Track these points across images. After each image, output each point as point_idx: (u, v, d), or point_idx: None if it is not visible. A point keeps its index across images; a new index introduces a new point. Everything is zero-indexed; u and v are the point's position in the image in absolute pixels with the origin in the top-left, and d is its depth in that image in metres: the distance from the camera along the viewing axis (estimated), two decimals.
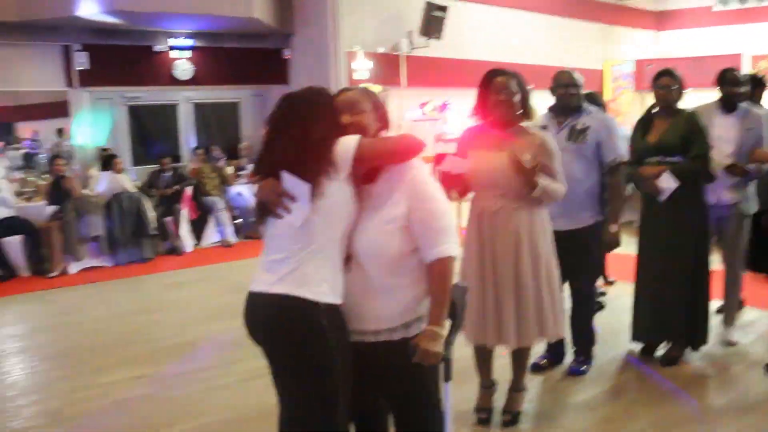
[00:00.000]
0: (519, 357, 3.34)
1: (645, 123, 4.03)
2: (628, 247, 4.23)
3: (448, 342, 2.05)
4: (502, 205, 3.08)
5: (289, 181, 2.01)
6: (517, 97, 3.07)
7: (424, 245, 2.08)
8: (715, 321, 4.47)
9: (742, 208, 4.28)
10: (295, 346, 2.01)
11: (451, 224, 2.13)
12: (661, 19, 16.30)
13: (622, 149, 3.78)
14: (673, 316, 3.98)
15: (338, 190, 2.02)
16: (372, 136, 2.16)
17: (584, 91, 3.92)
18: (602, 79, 14.64)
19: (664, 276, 3.97)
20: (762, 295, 5.24)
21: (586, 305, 3.92)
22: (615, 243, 3.84)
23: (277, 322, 2.02)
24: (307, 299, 1.98)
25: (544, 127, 3.60)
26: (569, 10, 13.68)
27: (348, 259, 2.08)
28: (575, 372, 3.91)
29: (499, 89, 3.06)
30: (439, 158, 3.20)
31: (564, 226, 3.57)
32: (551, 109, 3.88)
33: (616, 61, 14.74)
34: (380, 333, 2.11)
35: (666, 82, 3.90)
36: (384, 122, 2.26)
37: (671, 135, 3.84)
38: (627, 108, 14.21)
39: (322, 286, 2.00)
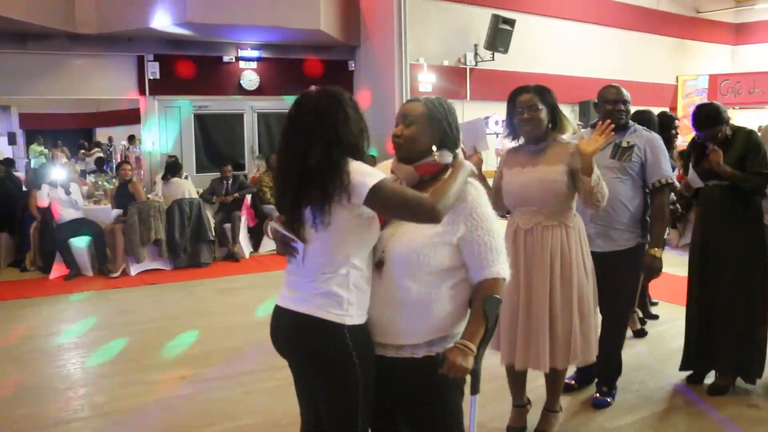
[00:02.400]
0: (552, 378, 3.25)
1: (699, 145, 3.88)
2: (676, 269, 4.06)
3: (478, 355, 2.00)
4: (537, 222, 3.02)
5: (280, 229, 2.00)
6: (543, 113, 3.02)
7: (478, 264, 2.05)
8: None
9: None
10: (319, 367, 1.98)
11: (503, 246, 2.11)
12: (739, 33, 15.70)
13: (668, 170, 3.58)
14: (722, 343, 3.80)
15: (352, 216, 1.93)
16: (423, 149, 2.10)
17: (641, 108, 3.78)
18: (675, 94, 14.20)
19: (715, 301, 3.80)
20: None
21: (617, 334, 3.71)
22: (657, 269, 3.61)
23: (301, 341, 1.99)
24: (331, 321, 1.93)
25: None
26: (640, 23, 13.36)
27: (380, 264, 2.03)
28: (598, 404, 3.71)
29: (524, 107, 3.03)
30: None
31: (602, 248, 3.45)
32: (594, 126, 3.76)
33: (689, 76, 14.28)
34: (403, 348, 2.05)
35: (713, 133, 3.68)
36: (440, 140, 2.13)
37: (728, 154, 3.68)
38: None
39: (347, 308, 1.95)
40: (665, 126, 5.08)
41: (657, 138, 3.65)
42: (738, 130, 3.78)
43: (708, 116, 3.69)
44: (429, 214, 1.94)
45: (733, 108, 13.00)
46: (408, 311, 2.02)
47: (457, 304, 2.08)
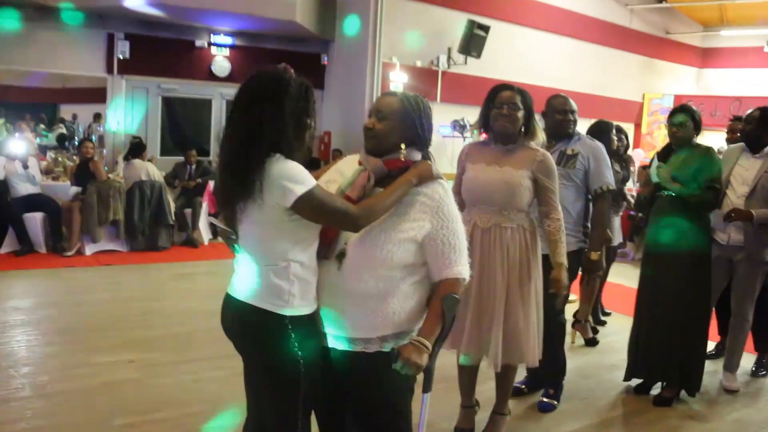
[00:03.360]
0: (503, 378, 3.29)
1: (663, 156, 3.98)
2: (632, 281, 4.16)
3: (433, 353, 1.99)
4: (496, 222, 3.05)
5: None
6: (521, 113, 3.06)
7: (440, 263, 2.05)
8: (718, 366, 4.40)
9: (757, 252, 4.12)
10: (262, 356, 1.98)
11: (466, 246, 2.12)
12: (705, 56, 16.08)
13: (609, 178, 3.73)
14: (667, 356, 3.90)
15: (282, 215, 1.89)
16: (392, 144, 2.08)
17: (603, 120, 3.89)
18: (640, 111, 14.48)
19: (662, 313, 3.90)
20: None
21: (559, 333, 3.80)
22: (597, 267, 3.78)
23: (244, 330, 1.99)
24: (273, 312, 1.92)
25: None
26: (611, 39, 13.58)
27: (341, 256, 2.02)
28: (545, 408, 3.77)
29: (504, 102, 3.06)
30: None
31: (544, 250, 3.50)
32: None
33: (655, 95, 14.57)
34: (355, 342, 2.04)
35: (681, 120, 3.84)
36: (410, 139, 2.11)
37: (685, 168, 3.78)
38: (662, 143, 14.00)
39: (288, 298, 1.93)
40: (603, 132, 5.14)
41: (600, 147, 3.80)
42: (697, 146, 3.88)
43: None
44: (351, 227, 1.97)
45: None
46: (363, 305, 2.02)
47: (415, 301, 2.09)
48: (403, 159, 2.10)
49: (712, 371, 4.42)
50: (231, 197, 1.91)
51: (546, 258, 3.20)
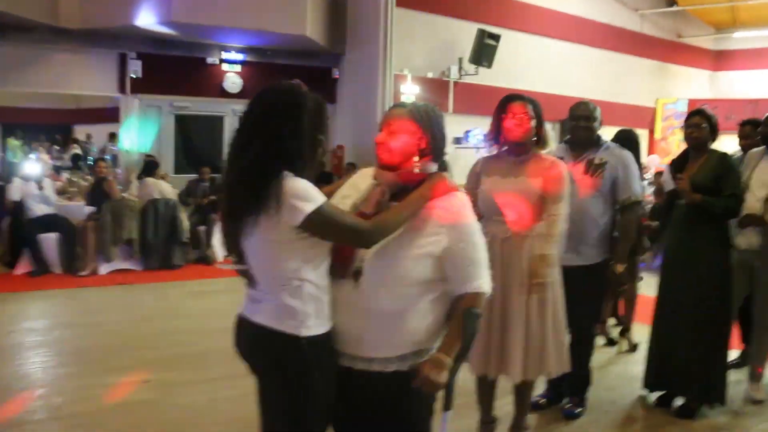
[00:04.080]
0: (522, 393, 3.23)
1: (678, 164, 3.91)
2: (650, 289, 4.08)
3: (453, 369, 1.94)
4: (513, 232, 3.01)
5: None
6: (533, 123, 3.03)
7: (459, 278, 2.00)
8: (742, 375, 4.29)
9: None
10: (277, 378, 1.93)
11: (486, 259, 2.07)
12: (718, 59, 15.93)
13: (638, 188, 3.67)
14: (687, 367, 3.80)
15: (291, 233, 1.83)
16: (404, 163, 2.03)
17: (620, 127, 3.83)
18: (654, 116, 14.35)
19: (682, 323, 3.80)
20: None
21: (586, 345, 3.75)
22: (622, 280, 3.72)
23: (259, 352, 1.95)
24: (287, 333, 1.87)
25: (560, 159, 3.52)
26: (624, 45, 13.49)
27: (357, 275, 1.96)
28: (569, 415, 3.73)
29: (515, 113, 3.03)
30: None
31: (571, 262, 3.45)
32: (567, 142, 3.79)
33: (668, 100, 14.45)
34: (374, 361, 1.98)
35: (696, 121, 3.78)
36: (428, 153, 2.06)
37: (702, 175, 3.71)
38: (677, 148, 13.88)
39: (303, 319, 1.88)
40: (630, 141, 5.11)
41: (629, 156, 3.72)
42: (712, 152, 3.81)
43: None
44: (362, 244, 1.93)
45: None
46: (382, 324, 1.97)
47: (434, 318, 2.03)
48: (417, 171, 2.05)
49: (737, 381, 4.30)
50: (241, 214, 1.86)
51: (566, 269, 3.16)
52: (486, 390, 3.28)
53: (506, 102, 3.11)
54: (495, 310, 3.00)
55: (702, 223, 3.74)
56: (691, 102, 14.33)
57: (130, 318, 5.72)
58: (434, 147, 2.08)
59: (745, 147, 4.62)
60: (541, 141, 3.09)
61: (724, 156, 3.79)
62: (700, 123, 3.75)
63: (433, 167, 2.09)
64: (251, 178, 1.82)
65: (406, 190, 2.03)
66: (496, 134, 3.14)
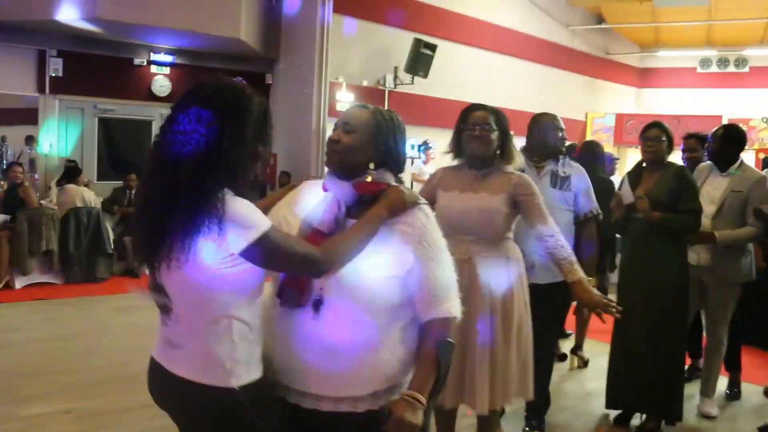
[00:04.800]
0: (486, 422, 3.03)
1: (633, 178, 3.84)
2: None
3: (428, 408, 1.73)
4: (475, 251, 2.80)
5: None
6: (495, 134, 2.84)
7: (426, 301, 1.79)
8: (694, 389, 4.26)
9: (728, 274, 4.02)
10: None
11: (455, 279, 1.86)
12: (643, 76, 16.52)
13: (595, 201, 3.65)
14: (648, 384, 3.72)
15: (226, 256, 1.55)
16: (360, 163, 1.80)
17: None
18: (584, 130, 14.68)
19: (640, 339, 3.72)
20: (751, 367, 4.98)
21: (546, 365, 3.59)
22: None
23: (181, 406, 1.66)
24: (220, 387, 1.58)
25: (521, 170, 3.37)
26: (555, 59, 13.78)
27: (317, 305, 1.72)
28: None
29: (477, 123, 2.84)
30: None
31: (544, 279, 3.30)
32: (525, 151, 3.66)
33: (597, 114, 14.83)
34: (342, 402, 1.75)
35: (655, 133, 3.72)
36: (381, 158, 1.84)
37: (659, 189, 3.65)
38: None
39: (231, 368, 1.59)
40: (596, 154, 5.13)
41: (583, 170, 3.69)
42: (669, 166, 3.76)
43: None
44: (314, 274, 1.68)
45: (636, 147, 13.57)
46: (350, 359, 1.72)
47: (406, 347, 1.81)
48: (370, 179, 1.82)
49: (687, 396, 4.26)
50: (165, 237, 1.53)
51: (539, 287, 2.99)
52: (446, 418, 3.07)
53: (467, 111, 2.92)
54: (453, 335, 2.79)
55: (659, 237, 3.68)
56: (619, 116, 14.80)
57: (49, 337, 5.24)
58: (394, 157, 1.87)
59: (689, 160, 4.65)
60: (506, 154, 2.90)
61: (681, 170, 3.75)
62: (659, 136, 3.69)
63: (391, 179, 1.87)
64: (186, 195, 1.51)
65: (362, 203, 1.81)
66: (456, 146, 2.95)
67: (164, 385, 1.67)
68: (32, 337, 5.24)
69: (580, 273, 2.75)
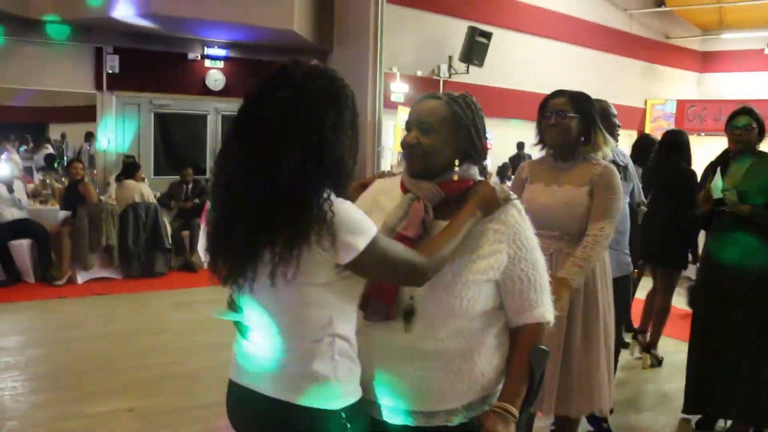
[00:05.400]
0: (561, 430, 2.85)
1: (718, 168, 3.57)
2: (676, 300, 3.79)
3: (520, 421, 1.59)
4: (558, 248, 2.62)
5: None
6: (574, 123, 2.63)
7: (518, 305, 1.66)
8: None
9: None
10: None
11: (548, 281, 1.71)
12: (705, 60, 15.89)
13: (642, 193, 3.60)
14: (733, 387, 3.47)
15: (330, 267, 1.40)
16: (444, 163, 1.65)
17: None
18: (643, 117, 14.20)
19: (726, 340, 3.47)
20: None
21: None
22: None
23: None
24: (323, 410, 1.43)
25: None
26: (612, 45, 13.38)
27: (408, 315, 1.58)
28: None
29: (553, 111, 2.65)
30: None
31: (615, 274, 3.09)
32: None
33: (657, 101, 14.31)
34: (436, 416, 1.62)
35: (745, 120, 3.45)
36: (465, 151, 1.68)
37: (751, 181, 3.37)
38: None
39: (335, 387, 1.45)
40: (651, 146, 4.95)
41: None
42: (760, 155, 3.48)
43: None
44: (418, 281, 1.51)
45: (699, 134, 13.06)
46: (445, 370, 1.59)
47: (501, 354, 1.67)
48: (457, 178, 1.66)
49: None
50: (252, 243, 1.37)
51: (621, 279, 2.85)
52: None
53: (545, 100, 2.74)
54: None
55: (749, 233, 3.41)
56: (680, 103, 14.25)
57: (110, 333, 5.25)
58: (478, 147, 1.69)
59: None
60: (591, 142, 2.69)
61: None
62: (750, 123, 3.42)
63: (476, 171, 1.71)
64: (289, 200, 1.34)
65: (448, 204, 1.65)
66: (540, 137, 2.77)
67: (253, 410, 1.50)
68: (93, 333, 5.26)
69: (571, 275, 2.48)
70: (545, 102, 2.73)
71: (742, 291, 3.43)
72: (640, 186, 3.60)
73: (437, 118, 1.65)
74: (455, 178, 1.66)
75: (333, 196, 1.38)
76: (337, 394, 1.45)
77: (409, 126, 1.69)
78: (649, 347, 4.76)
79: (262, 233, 1.36)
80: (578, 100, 2.67)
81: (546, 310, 1.67)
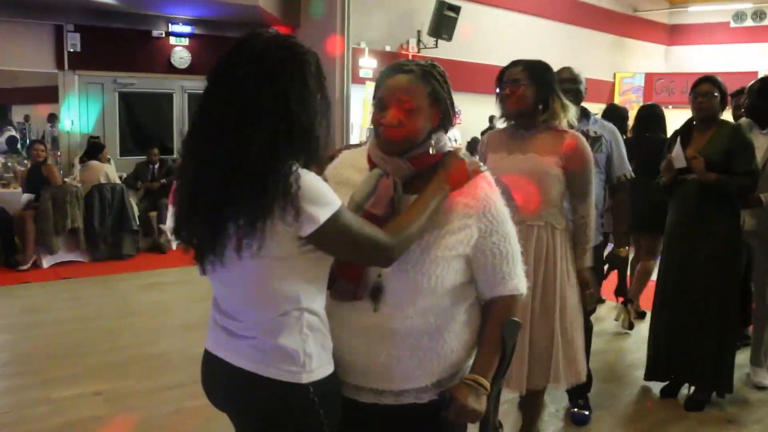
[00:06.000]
0: (528, 401, 2.88)
1: (682, 136, 3.60)
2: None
3: (491, 393, 1.58)
4: (519, 219, 2.60)
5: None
6: (529, 91, 2.60)
7: (491, 278, 1.63)
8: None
9: None
10: (276, 430, 1.48)
11: (519, 252, 1.68)
12: (673, 34, 16.01)
13: (628, 165, 3.38)
14: (696, 355, 3.54)
15: (295, 241, 1.37)
16: (420, 140, 1.59)
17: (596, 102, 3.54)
18: (612, 91, 14.29)
19: (688, 306, 3.53)
20: None
21: (586, 339, 3.32)
22: (625, 263, 3.47)
23: (249, 402, 1.48)
24: (292, 384, 1.42)
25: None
26: (581, 19, 13.41)
27: (376, 293, 1.55)
28: (581, 420, 3.41)
29: (508, 81, 2.64)
30: None
31: None
32: None
33: (626, 74, 14.41)
34: (405, 394, 1.61)
35: (707, 89, 3.46)
36: (442, 120, 1.63)
37: (712, 149, 3.41)
38: (632, 122, 13.88)
39: (304, 362, 1.43)
40: (620, 117, 5.04)
41: (616, 130, 3.43)
42: (723, 124, 3.52)
43: None
44: (383, 261, 1.48)
45: (667, 107, 13.20)
46: (414, 349, 1.57)
47: (471, 330, 1.66)
48: (433, 152, 1.61)
49: (737, 365, 4.06)
50: (217, 215, 1.35)
51: None
52: None
53: (502, 71, 2.73)
54: None
55: (711, 200, 3.46)
56: (648, 76, 14.36)
57: (77, 317, 5.16)
58: (447, 117, 1.64)
59: (738, 117, 4.42)
60: (549, 110, 2.65)
61: (737, 128, 3.50)
62: (711, 91, 3.44)
63: (445, 138, 1.66)
64: (255, 173, 1.31)
65: (418, 177, 1.60)
66: (501, 107, 2.75)
67: (226, 380, 1.50)
68: (59, 317, 5.17)
69: (588, 262, 2.70)
70: (501, 73, 2.72)
71: (701, 260, 3.48)
72: (621, 158, 3.35)
73: (419, 98, 1.56)
74: (431, 152, 1.61)
75: (300, 169, 1.35)
76: (306, 368, 1.43)
77: (383, 104, 1.58)
78: (627, 302, 4.90)
79: (226, 207, 1.34)
80: (533, 69, 2.64)
81: (519, 282, 1.65)
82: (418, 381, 1.59)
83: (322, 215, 1.34)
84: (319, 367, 1.46)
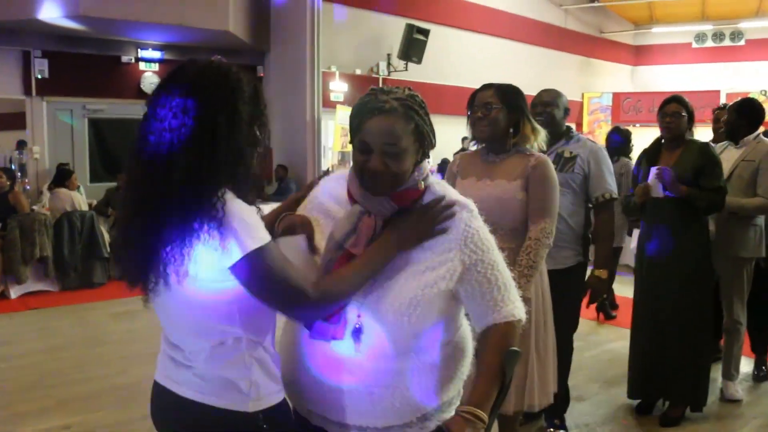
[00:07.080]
0: (502, 425, 2.86)
1: (651, 155, 3.66)
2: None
3: (488, 424, 1.50)
4: None
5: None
6: (502, 115, 2.62)
7: (482, 308, 1.57)
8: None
9: (735, 248, 3.87)
10: None
11: (511, 277, 1.63)
12: (639, 54, 16.38)
13: (612, 184, 3.31)
14: (672, 370, 3.57)
15: (222, 272, 1.34)
16: (406, 177, 1.53)
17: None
18: (581, 110, 14.52)
19: (663, 324, 3.57)
20: None
21: (564, 358, 3.32)
22: (602, 290, 3.38)
23: None
24: (238, 412, 1.40)
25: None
26: (549, 40, 13.67)
27: (357, 334, 1.49)
28: None
29: (480, 104, 2.65)
30: None
31: (554, 265, 3.10)
32: None
33: (594, 94, 14.65)
34: (390, 430, 1.56)
35: (674, 108, 3.53)
36: (425, 151, 1.59)
37: (682, 167, 3.47)
38: (604, 141, 14.07)
39: (250, 391, 1.41)
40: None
41: (602, 149, 3.40)
42: (691, 142, 3.59)
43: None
44: (299, 312, 1.43)
45: (634, 125, 13.46)
46: (398, 384, 1.52)
47: (457, 361, 1.63)
48: (422, 187, 1.58)
49: (710, 379, 4.11)
50: (147, 238, 1.34)
51: (559, 272, 2.90)
52: None
53: (473, 94, 2.73)
54: None
55: (680, 217, 3.51)
56: (615, 96, 14.61)
57: (45, 348, 5.04)
58: (429, 146, 1.59)
59: (718, 131, 4.64)
60: (519, 134, 2.67)
61: (705, 147, 3.56)
62: (679, 111, 3.51)
63: (427, 168, 1.62)
64: (180, 198, 1.30)
65: (397, 213, 1.55)
66: (473, 130, 2.76)
67: (173, 412, 1.46)
68: (27, 349, 5.04)
69: (529, 288, 2.56)
70: (473, 96, 2.73)
71: (673, 278, 3.53)
72: (601, 177, 3.27)
73: (405, 139, 1.50)
74: (421, 186, 1.57)
75: (229, 195, 1.34)
76: (251, 396, 1.41)
77: (366, 148, 1.50)
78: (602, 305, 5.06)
79: (156, 234, 1.32)
80: (504, 93, 2.66)
81: (515, 308, 1.59)
82: (403, 416, 1.54)
83: (246, 246, 1.31)
84: (268, 395, 1.44)
